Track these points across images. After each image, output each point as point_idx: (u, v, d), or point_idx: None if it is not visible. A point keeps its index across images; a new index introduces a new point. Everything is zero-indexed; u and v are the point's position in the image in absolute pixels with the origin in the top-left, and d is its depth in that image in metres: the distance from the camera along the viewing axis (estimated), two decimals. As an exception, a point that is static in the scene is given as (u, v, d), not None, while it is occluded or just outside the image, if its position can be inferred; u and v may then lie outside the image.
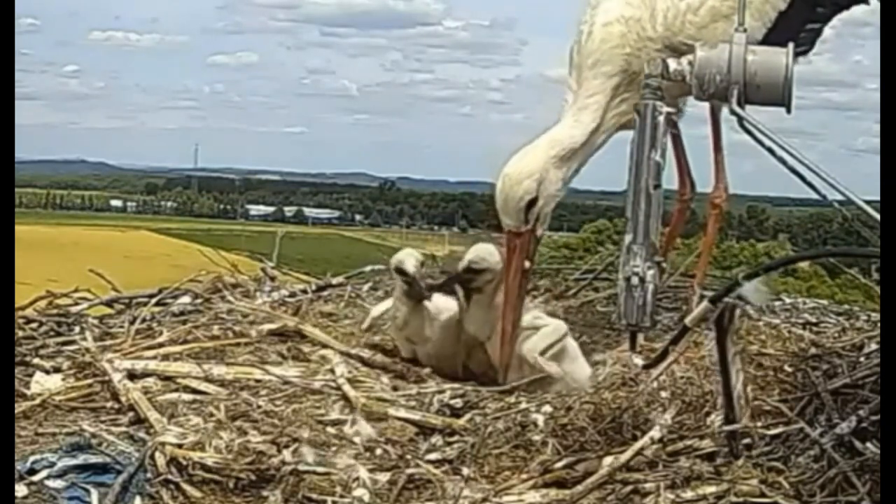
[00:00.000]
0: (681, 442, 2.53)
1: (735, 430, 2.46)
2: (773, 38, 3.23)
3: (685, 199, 3.70)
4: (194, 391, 2.94)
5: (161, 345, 3.32)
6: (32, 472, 2.42)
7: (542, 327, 3.13)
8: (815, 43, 3.45)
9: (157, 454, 2.48)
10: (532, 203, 3.07)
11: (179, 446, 2.49)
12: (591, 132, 3.17)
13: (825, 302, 4.29)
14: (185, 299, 3.97)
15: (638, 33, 3.20)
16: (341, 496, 2.35)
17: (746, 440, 2.49)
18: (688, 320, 2.41)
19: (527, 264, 3.12)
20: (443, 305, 3.24)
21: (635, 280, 2.34)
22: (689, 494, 2.31)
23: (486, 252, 3.16)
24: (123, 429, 2.72)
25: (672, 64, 2.44)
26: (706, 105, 3.32)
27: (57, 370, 3.19)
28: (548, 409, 2.73)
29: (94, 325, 3.63)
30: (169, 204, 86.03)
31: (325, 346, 3.32)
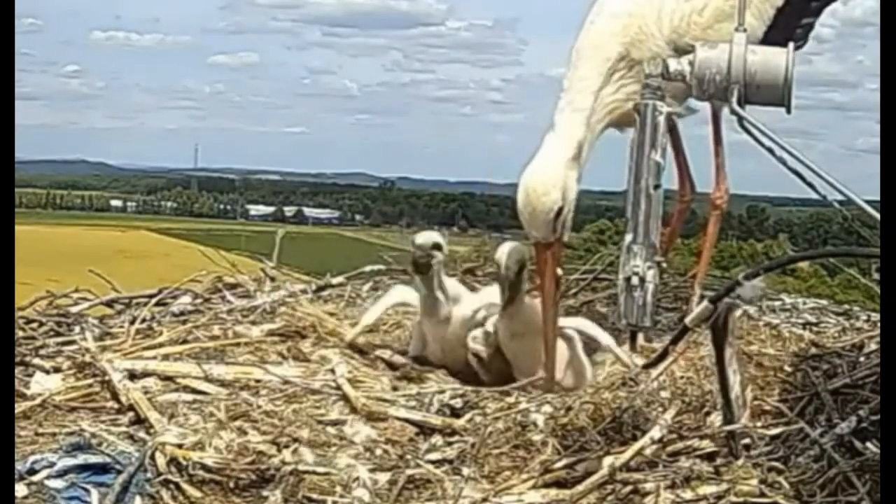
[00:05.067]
0: (681, 442, 2.53)
1: (734, 431, 2.46)
2: (771, 35, 3.25)
3: (685, 200, 3.70)
4: (194, 391, 2.94)
5: (161, 345, 3.32)
6: (32, 472, 2.42)
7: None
8: (809, 37, 3.46)
9: (157, 454, 2.48)
10: (559, 212, 3.04)
11: (179, 446, 2.50)
12: (587, 119, 3.15)
13: (825, 302, 4.28)
14: (185, 299, 3.97)
15: (640, 27, 3.21)
16: (341, 496, 2.34)
17: (746, 440, 2.49)
18: (688, 320, 2.41)
19: (559, 272, 3.12)
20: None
21: (635, 280, 2.34)
22: (689, 494, 2.31)
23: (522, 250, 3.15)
24: (123, 429, 2.73)
25: (672, 64, 2.44)
26: (706, 105, 3.32)
27: (57, 370, 3.19)
28: (548, 409, 2.73)
29: (94, 325, 3.62)
30: (169, 204, 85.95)
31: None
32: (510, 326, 3.16)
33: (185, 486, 2.40)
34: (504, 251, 3.10)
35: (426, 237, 3.28)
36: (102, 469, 2.46)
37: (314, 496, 2.34)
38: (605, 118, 3.20)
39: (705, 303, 2.36)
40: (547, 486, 2.41)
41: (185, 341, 3.37)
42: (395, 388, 3.03)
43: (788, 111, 2.36)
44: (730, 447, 2.47)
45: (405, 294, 3.50)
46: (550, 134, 3.12)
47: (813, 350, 3.28)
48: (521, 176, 3.07)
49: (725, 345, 2.41)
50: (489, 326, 3.23)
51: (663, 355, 2.53)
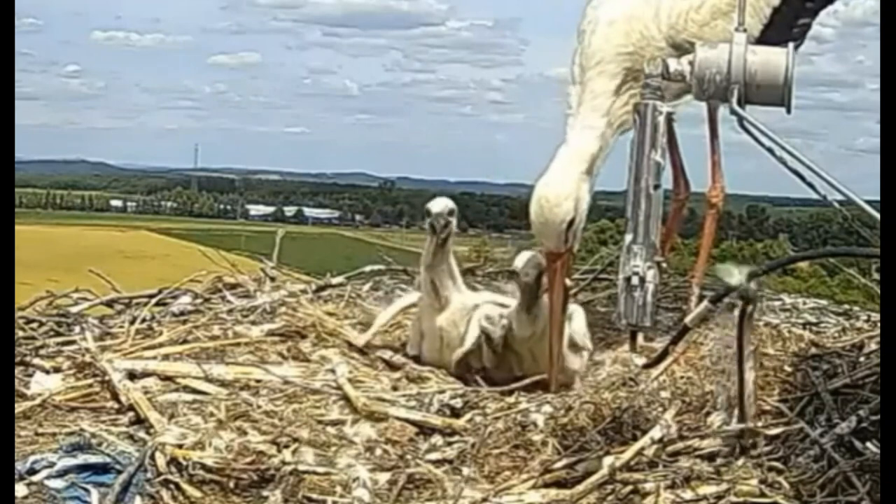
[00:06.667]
0: (681, 442, 2.53)
1: (743, 429, 2.47)
2: (768, 34, 3.25)
3: (681, 199, 3.71)
4: (194, 391, 2.94)
5: (161, 345, 3.32)
6: (32, 472, 2.42)
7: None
8: (806, 37, 3.46)
9: (157, 454, 2.48)
10: (571, 223, 3.05)
11: (179, 446, 2.50)
12: (600, 135, 3.16)
13: (825, 302, 4.28)
14: (185, 299, 3.97)
15: (641, 32, 3.21)
16: (341, 496, 2.35)
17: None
18: (688, 320, 2.41)
19: (568, 282, 3.13)
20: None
21: (635, 280, 2.34)
22: (689, 494, 2.31)
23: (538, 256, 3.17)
24: (123, 429, 2.73)
25: (672, 64, 2.44)
26: (703, 104, 3.32)
27: (57, 370, 3.19)
28: (548, 409, 2.73)
29: (94, 325, 3.62)
30: (169, 204, 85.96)
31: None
32: (531, 327, 3.18)
33: (185, 486, 2.40)
34: (522, 258, 3.14)
35: (441, 204, 3.29)
36: (102, 469, 2.46)
37: (314, 496, 2.34)
38: (617, 130, 3.22)
39: (705, 303, 2.36)
40: (547, 486, 2.41)
41: (185, 341, 3.37)
42: (395, 388, 3.03)
43: (788, 111, 2.36)
44: (738, 446, 2.47)
45: (417, 297, 3.50)
46: (564, 148, 3.14)
47: (813, 350, 3.28)
48: (534, 182, 3.10)
49: (746, 341, 2.41)
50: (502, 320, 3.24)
51: (663, 355, 2.53)
